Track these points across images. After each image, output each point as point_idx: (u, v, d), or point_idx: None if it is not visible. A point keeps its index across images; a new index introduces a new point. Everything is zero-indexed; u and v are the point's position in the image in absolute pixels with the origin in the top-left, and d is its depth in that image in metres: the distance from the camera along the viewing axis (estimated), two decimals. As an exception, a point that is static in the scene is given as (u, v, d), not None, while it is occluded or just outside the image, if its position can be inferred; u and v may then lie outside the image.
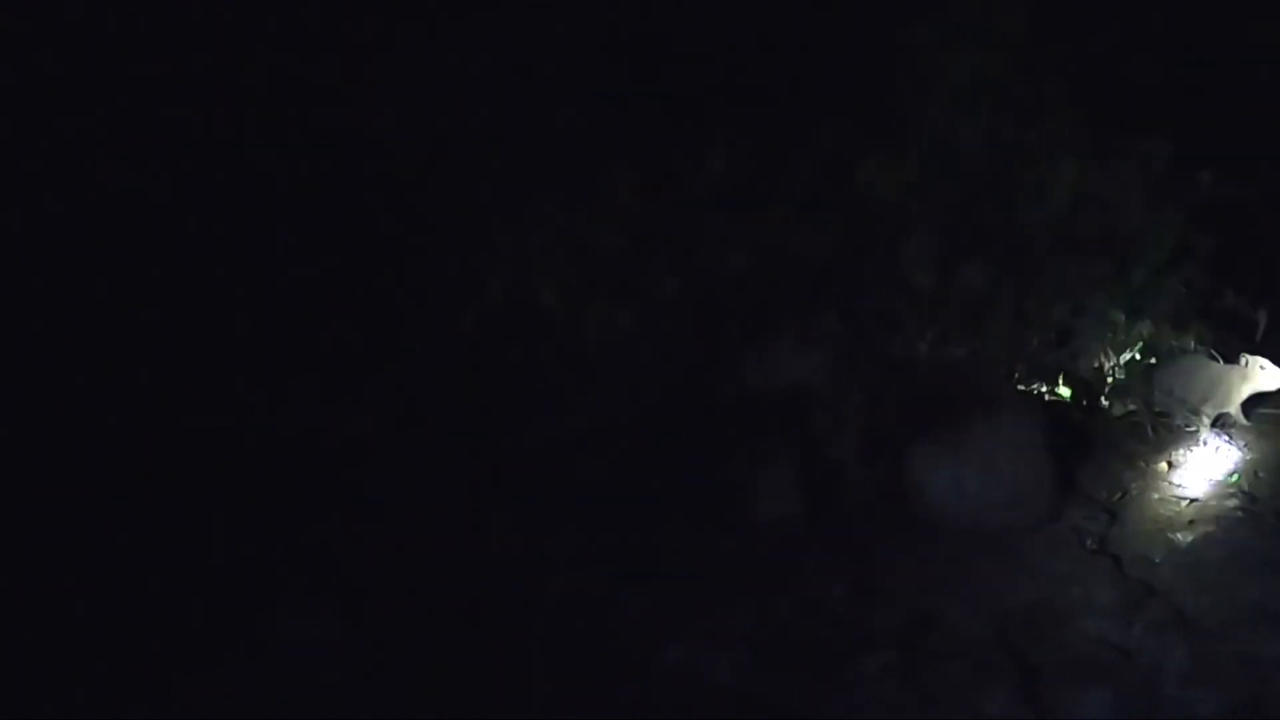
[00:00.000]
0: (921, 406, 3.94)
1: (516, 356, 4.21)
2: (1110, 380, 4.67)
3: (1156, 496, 4.20)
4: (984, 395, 3.96)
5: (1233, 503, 4.07)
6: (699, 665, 3.52)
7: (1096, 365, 4.61)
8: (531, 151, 4.40)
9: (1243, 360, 4.38)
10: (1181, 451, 4.44)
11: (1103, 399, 4.67)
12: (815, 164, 4.13)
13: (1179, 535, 3.91)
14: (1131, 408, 4.62)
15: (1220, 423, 4.50)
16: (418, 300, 4.38)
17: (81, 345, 4.55)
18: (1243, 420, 4.47)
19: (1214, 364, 4.44)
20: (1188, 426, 4.51)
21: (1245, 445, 4.44)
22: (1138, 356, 4.65)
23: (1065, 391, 4.62)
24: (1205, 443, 4.44)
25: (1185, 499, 4.14)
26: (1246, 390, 4.41)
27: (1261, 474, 4.25)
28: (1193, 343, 4.56)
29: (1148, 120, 4.22)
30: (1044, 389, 4.53)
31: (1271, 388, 4.35)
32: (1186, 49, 4.52)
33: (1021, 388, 4.24)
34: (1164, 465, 4.39)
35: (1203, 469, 4.32)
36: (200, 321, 4.48)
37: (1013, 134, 4.06)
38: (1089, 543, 3.88)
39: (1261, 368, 4.34)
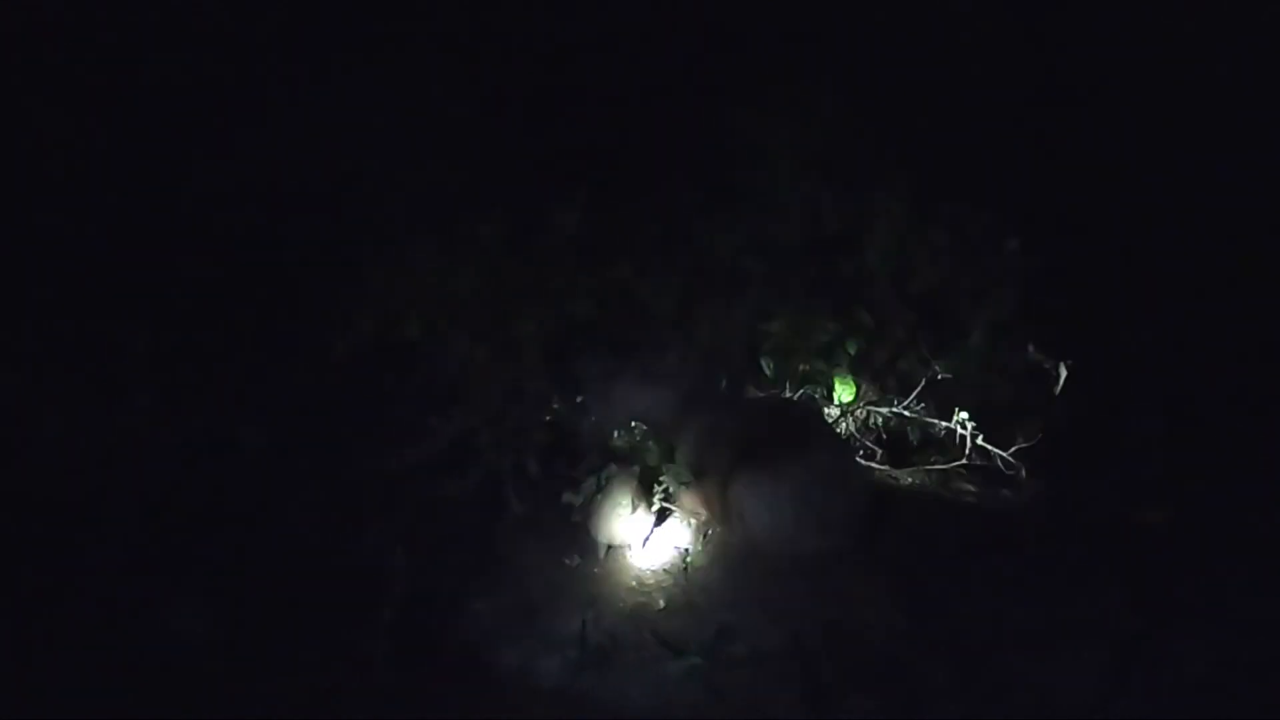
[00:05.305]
0: (748, 441, 4.35)
1: (383, 384, 4.62)
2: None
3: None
4: (805, 434, 4.37)
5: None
6: (532, 667, 3.93)
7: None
8: (403, 201, 4.85)
9: None
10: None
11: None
12: (659, 223, 4.60)
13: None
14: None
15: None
16: (296, 331, 4.77)
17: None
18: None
19: None
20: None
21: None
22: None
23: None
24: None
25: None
26: None
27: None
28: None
29: (966, 191, 4.70)
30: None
31: None
32: (1010, 127, 5.02)
33: (845, 429, 4.65)
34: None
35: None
36: (102, 338, 4.84)
37: (833, 202, 4.55)
38: (888, 572, 4.30)
39: None
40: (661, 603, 4.11)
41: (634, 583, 4.21)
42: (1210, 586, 4.04)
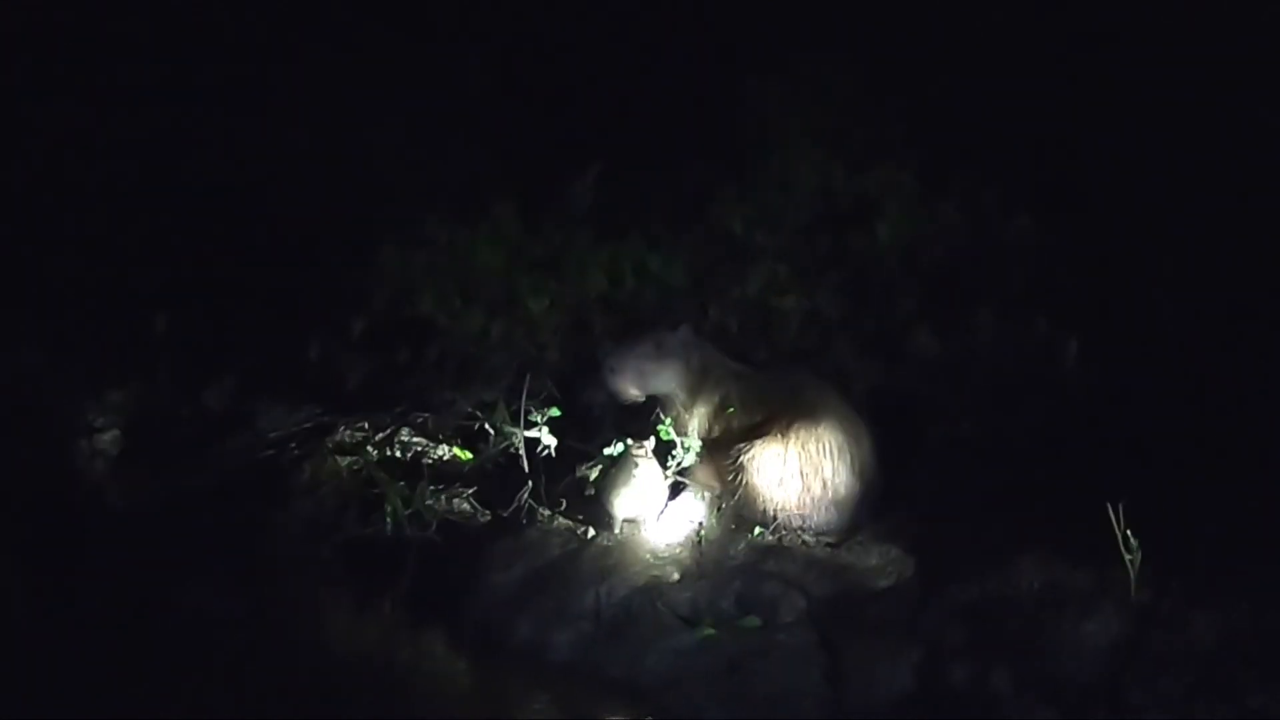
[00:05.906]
0: (760, 415, 4.37)
1: (399, 359, 4.67)
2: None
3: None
4: (816, 408, 4.38)
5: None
6: (546, 639, 3.98)
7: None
8: (419, 178, 4.89)
9: None
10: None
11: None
12: (673, 198, 4.63)
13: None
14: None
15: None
16: (313, 308, 4.82)
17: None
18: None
19: None
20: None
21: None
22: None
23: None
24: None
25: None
26: None
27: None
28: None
29: (978, 166, 4.71)
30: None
31: None
32: (1022, 101, 5.01)
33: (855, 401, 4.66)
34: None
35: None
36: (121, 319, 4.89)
37: (844, 177, 4.57)
38: (901, 543, 4.33)
39: None
40: (676, 575, 4.14)
41: (648, 556, 4.24)
42: (1222, 558, 4.04)
